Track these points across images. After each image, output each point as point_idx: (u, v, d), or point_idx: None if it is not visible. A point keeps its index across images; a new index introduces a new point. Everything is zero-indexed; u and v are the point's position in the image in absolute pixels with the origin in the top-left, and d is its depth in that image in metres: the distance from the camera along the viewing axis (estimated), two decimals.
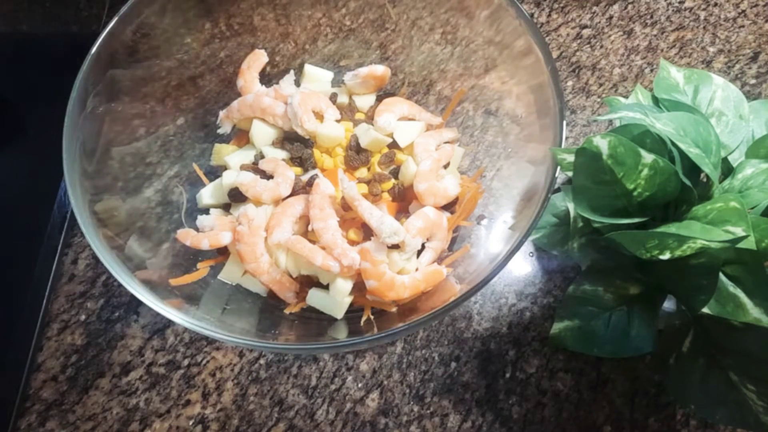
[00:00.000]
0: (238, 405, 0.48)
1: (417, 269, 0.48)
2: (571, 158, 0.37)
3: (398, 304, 0.47)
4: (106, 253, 0.39)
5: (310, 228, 0.47)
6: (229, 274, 0.48)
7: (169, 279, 0.44)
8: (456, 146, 0.53)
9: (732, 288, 0.36)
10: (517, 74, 0.47)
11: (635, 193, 0.37)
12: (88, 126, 0.42)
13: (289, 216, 0.48)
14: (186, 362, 0.49)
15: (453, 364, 0.50)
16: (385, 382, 0.49)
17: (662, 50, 0.62)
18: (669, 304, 0.42)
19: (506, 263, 0.38)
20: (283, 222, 0.48)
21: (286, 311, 0.47)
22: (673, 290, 0.39)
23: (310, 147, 0.52)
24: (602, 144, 0.35)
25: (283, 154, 0.51)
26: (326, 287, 0.48)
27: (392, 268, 0.47)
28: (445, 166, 0.52)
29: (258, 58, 0.53)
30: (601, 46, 0.63)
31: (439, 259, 0.49)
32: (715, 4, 0.65)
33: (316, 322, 0.46)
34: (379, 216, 0.48)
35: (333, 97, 0.54)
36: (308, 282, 0.48)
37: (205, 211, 0.50)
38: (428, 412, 0.48)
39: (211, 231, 0.48)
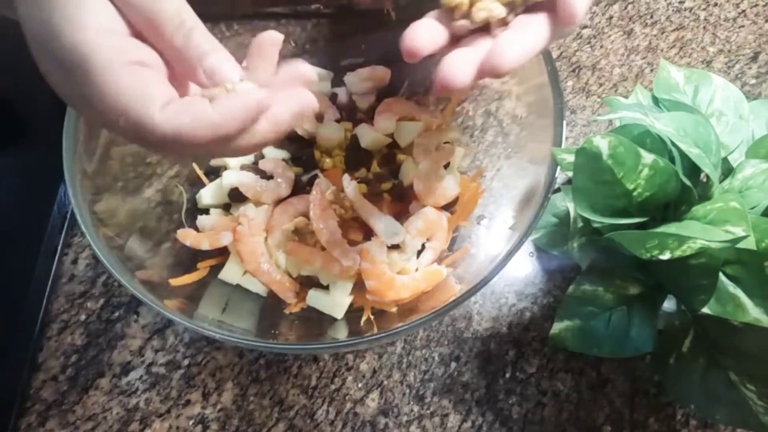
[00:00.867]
0: (238, 405, 0.48)
1: (417, 269, 0.48)
2: (571, 158, 0.37)
3: (398, 304, 0.47)
4: (106, 253, 0.39)
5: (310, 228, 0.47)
6: (229, 274, 0.48)
7: (169, 279, 0.44)
8: (456, 146, 0.53)
9: (732, 288, 0.36)
10: (517, 74, 0.47)
11: (635, 193, 0.37)
12: (88, 126, 0.42)
13: (289, 216, 0.48)
14: (186, 362, 0.49)
15: (453, 364, 0.50)
16: (385, 382, 0.49)
17: (662, 50, 0.62)
18: (669, 304, 0.42)
19: (506, 263, 0.38)
20: (283, 222, 0.48)
21: (286, 311, 0.47)
22: (673, 290, 0.39)
23: (310, 147, 0.52)
24: (602, 144, 0.35)
25: (283, 154, 0.51)
26: (326, 287, 0.48)
27: (392, 268, 0.47)
28: (445, 166, 0.52)
29: None
30: (601, 46, 0.63)
31: (439, 259, 0.49)
32: (715, 4, 0.65)
33: (316, 322, 0.46)
34: (379, 216, 0.48)
35: (333, 97, 0.54)
36: (308, 282, 0.48)
37: (205, 211, 0.50)
38: (428, 412, 0.48)
39: (211, 231, 0.48)
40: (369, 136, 0.51)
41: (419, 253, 0.49)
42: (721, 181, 0.39)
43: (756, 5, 0.64)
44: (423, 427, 0.48)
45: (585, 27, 0.64)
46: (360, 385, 0.49)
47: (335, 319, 0.46)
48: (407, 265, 0.48)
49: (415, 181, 0.50)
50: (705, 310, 0.36)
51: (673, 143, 0.37)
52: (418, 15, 0.31)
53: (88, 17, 0.25)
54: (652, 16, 0.64)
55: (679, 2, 0.65)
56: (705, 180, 0.40)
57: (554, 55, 0.62)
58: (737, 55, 0.62)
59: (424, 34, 0.29)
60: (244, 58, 0.56)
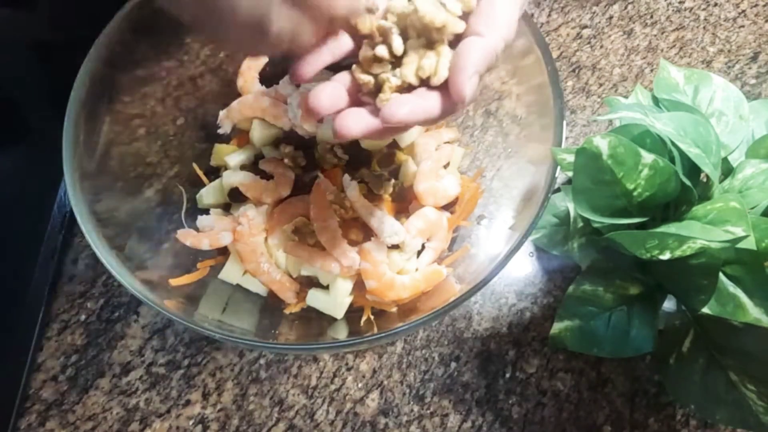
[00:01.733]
0: (238, 405, 0.48)
1: (417, 269, 0.48)
2: (571, 158, 0.37)
3: (398, 304, 0.47)
4: (106, 253, 0.39)
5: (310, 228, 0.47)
6: (229, 274, 0.48)
7: (169, 279, 0.44)
8: (456, 146, 0.53)
9: (732, 288, 0.36)
10: (517, 74, 0.47)
11: (635, 193, 0.37)
12: (88, 126, 0.42)
13: (289, 216, 0.48)
14: (186, 362, 0.49)
15: (453, 364, 0.50)
16: (385, 382, 0.49)
17: (662, 50, 0.62)
18: (669, 304, 0.42)
19: (506, 263, 0.38)
20: (283, 222, 0.48)
21: (286, 311, 0.47)
22: (673, 290, 0.39)
23: (310, 147, 0.52)
24: (602, 144, 0.35)
25: (283, 154, 0.51)
26: (326, 287, 0.48)
27: (392, 268, 0.47)
28: (445, 166, 0.52)
29: (258, 58, 0.53)
30: (601, 46, 0.63)
31: (439, 259, 0.49)
32: (715, 4, 0.65)
33: (316, 322, 0.46)
34: (379, 216, 0.48)
35: None
36: (308, 282, 0.48)
37: (205, 211, 0.50)
38: (428, 412, 0.48)
39: (211, 231, 0.48)
40: None
41: (419, 253, 0.49)
42: (721, 181, 0.39)
43: (756, 5, 0.64)
44: (423, 427, 0.48)
45: (585, 27, 0.64)
46: (360, 385, 0.49)
47: (335, 319, 0.46)
48: (407, 265, 0.48)
49: (415, 181, 0.50)
50: (705, 310, 0.36)
51: (673, 143, 0.37)
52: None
53: None
54: (652, 16, 0.64)
55: (679, 2, 0.65)
56: (705, 180, 0.40)
57: (554, 55, 0.62)
58: (737, 55, 0.62)
59: (327, 97, 0.33)
60: (245, 58, 0.56)
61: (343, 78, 0.34)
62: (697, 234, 0.33)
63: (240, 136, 0.54)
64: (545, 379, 0.49)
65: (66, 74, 0.42)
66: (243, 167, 0.51)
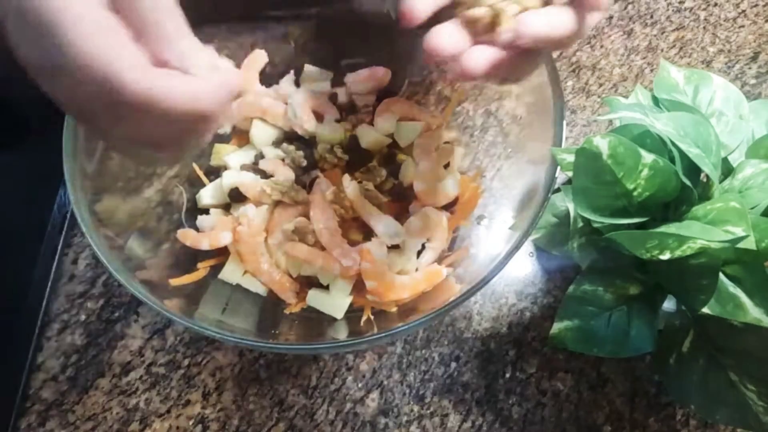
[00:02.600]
0: (238, 405, 0.48)
1: (417, 269, 0.48)
2: (571, 158, 0.37)
3: (398, 304, 0.47)
4: (106, 253, 0.39)
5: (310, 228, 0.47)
6: (229, 274, 0.48)
7: (169, 279, 0.44)
8: (456, 146, 0.53)
9: (732, 288, 0.36)
10: None
11: (635, 193, 0.37)
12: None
13: (289, 216, 0.48)
14: (186, 362, 0.49)
15: (453, 364, 0.50)
16: (385, 382, 0.49)
17: (662, 50, 0.62)
18: (669, 304, 0.42)
19: (506, 263, 0.38)
20: (283, 222, 0.48)
21: (286, 311, 0.47)
22: (673, 290, 0.39)
23: (310, 147, 0.52)
24: (602, 144, 0.35)
25: (283, 154, 0.51)
26: (326, 287, 0.48)
27: (392, 268, 0.47)
28: (445, 166, 0.52)
29: (258, 58, 0.53)
30: (601, 46, 0.63)
31: (439, 259, 0.49)
32: (715, 4, 0.65)
33: (316, 322, 0.46)
34: (379, 216, 0.48)
35: (333, 97, 0.54)
36: (308, 282, 0.48)
37: (205, 211, 0.50)
38: (428, 412, 0.48)
39: (211, 231, 0.48)
40: (369, 136, 0.51)
41: (419, 253, 0.49)
42: (721, 181, 0.39)
43: (756, 5, 0.64)
44: (423, 427, 0.48)
45: None
46: (360, 385, 0.49)
47: (335, 319, 0.46)
48: (407, 265, 0.48)
49: (415, 181, 0.50)
50: (705, 310, 0.36)
51: (673, 143, 0.37)
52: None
53: None
54: (652, 16, 0.64)
55: (679, 2, 0.65)
56: (705, 180, 0.40)
57: (554, 55, 0.62)
58: (737, 55, 0.62)
59: (447, 37, 0.31)
60: (245, 58, 0.56)
61: (453, 21, 0.31)
62: (697, 234, 0.33)
63: (240, 136, 0.54)
64: (545, 379, 0.49)
65: None
66: (243, 167, 0.51)
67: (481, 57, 0.30)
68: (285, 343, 0.42)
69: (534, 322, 0.51)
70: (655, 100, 0.44)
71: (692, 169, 0.37)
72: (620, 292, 0.41)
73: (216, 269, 0.48)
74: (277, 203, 0.49)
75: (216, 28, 0.51)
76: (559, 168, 0.39)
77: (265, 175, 0.50)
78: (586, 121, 0.59)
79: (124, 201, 0.45)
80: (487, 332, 0.51)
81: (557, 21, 0.29)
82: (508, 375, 0.49)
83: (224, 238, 0.47)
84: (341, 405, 0.48)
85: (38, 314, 0.50)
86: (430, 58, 0.31)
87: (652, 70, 0.61)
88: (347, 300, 0.47)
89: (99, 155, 0.43)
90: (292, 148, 0.51)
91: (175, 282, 0.44)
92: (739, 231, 0.33)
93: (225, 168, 0.52)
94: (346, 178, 0.49)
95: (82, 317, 0.51)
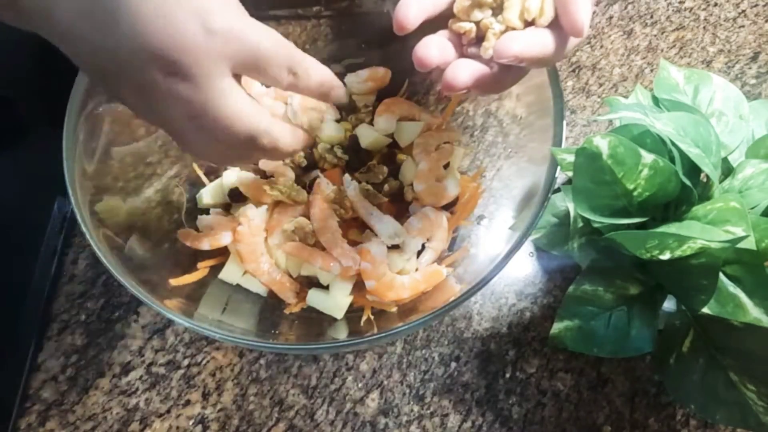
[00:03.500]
0: (238, 405, 0.48)
1: (417, 269, 0.48)
2: (571, 158, 0.37)
3: (398, 304, 0.47)
4: (106, 253, 0.39)
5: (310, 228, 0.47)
6: (229, 274, 0.48)
7: (169, 279, 0.44)
8: (456, 146, 0.53)
9: (732, 288, 0.36)
10: None
11: (635, 193, 0.37)
12: (88, 126, 0.42)
13: (289, 216, 0.48)
14: (186, 362, 0.49)
15: (453, 364, 0.50)
16: (385, 382, 0.49)
17: (662, 50, 0.62)
18: (669, 304, 0.42)
19: (506, 263, 0.38)
20: (283, 222, 0.48)
21: (286, 311, 0.47)
22: (673, 290, 0.39)
23: (310, 147, 0.52)
24: (602, 144, 0.35)
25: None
26: (326, 287, 0.48)
27: (392, 268, 0.47)
28: (445, 166, 0.52)
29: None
30: (601, 46, 0.63)
31: (439, 259, 0.49)
32: (715, 4, 0.65)
33: (316, 322, 0.46)
34: (379, 216, 0.48)
35: None
36: (308, 282, 0.48)
37: (205, 211, 0.50)
38: (428, 412, 0.48)
39: (211, 231, 0.48)
40: (369, 136, 0.51)
41: (419, 253, 0.49)
42: (721, 181, 0.39)
43: (756, 5, 0.64)
44: (423, 427, 0.48)
45: None
46: (360, 385, 0.49)
47: (335, 319, 0.46)
48: (407, 265, 0.48)
49: (415, 181, 0.50)
50: (705, 310, 0.36)
51: (673, 143, 0.37)
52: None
53: None
54: (652, 16, 0.64)
55: (679, 2, 0.65)
56: (705, 180, 0.40)
57: None
58: (737, 55, 0.62)
59: (434, 49, 0.32)
60: None
61: (442, 33, 0.33)
62: (697, 234, 0.33)
63: None
64: (545, 379, 0.49)
65: (66, 74, 0.42)
66: (243, 167, 0.51)
67: (464, 71, 0.32)
68: (285, 343, 0.42)
69: (534, 322, 0.51)
70: (655, 100, 0.44)
71: (692, 169, 0.37)
72: (620, 292, 0.41)
73: (216, 269, 0.48)
74: (277, 203, 0.49)
75: None
76: (559, 168, 0.39)
77: (265, 175, 0.50)
78: (586, 121, 0.59)
79: (124, 201, 0.45)
80: (487, 332, 0.51)
81: (537, 42, 0.31)
82: (508, 375, 0.49)
83: (224, 238, 0.47)
84: (341, 405, 0.48)
85: (38, 314, 0.50)
86: (421, 66, 0.32)
87: (652, 70, 0.61)
88: (347, 300, 0.47)
89: (99, 155, 0.43)
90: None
91: (175, 282, 0.44)
92: (739, 231, 0.33)
93: (225, 168, 0.52)
94: (346, 177, 0.49)
95: (82, 317, 0.51)
